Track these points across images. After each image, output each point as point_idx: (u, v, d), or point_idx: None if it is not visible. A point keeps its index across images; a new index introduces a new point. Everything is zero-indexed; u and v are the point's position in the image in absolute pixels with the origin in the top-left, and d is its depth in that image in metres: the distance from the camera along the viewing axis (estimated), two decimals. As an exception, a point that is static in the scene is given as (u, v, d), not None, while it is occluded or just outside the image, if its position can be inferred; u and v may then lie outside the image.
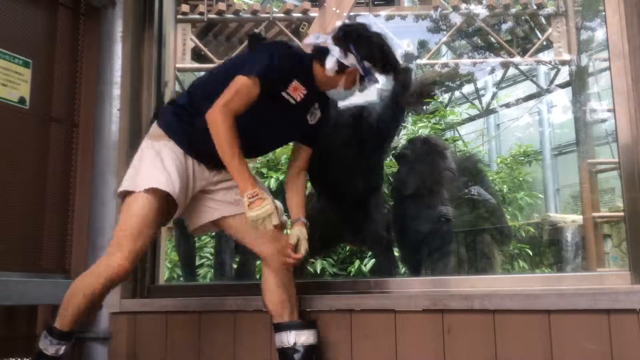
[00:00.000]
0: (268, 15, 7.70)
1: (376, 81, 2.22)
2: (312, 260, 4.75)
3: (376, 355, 2.18)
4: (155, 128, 2.21)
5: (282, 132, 2.29)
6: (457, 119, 8.15)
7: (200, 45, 7.27)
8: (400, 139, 6.67)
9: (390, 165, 5.32)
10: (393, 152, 5.78)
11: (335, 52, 2.12)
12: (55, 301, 2.59)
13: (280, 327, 2.18)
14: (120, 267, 2.03)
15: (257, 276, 4.46)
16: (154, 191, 2.06)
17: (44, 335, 2.13)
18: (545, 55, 8.55)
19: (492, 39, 8.68)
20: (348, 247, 4.80)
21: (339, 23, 7.38)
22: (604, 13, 2.18)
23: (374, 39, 2.18)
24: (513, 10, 8.06)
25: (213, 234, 4.48)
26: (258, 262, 4.59)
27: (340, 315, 2.26)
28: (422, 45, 9.99)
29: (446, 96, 10.73)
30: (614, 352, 1.83)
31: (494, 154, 10.50)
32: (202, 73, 8.18)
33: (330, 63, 2.12)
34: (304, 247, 2.17)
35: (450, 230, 3.54)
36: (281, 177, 4.88)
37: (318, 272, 4.85)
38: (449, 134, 7.87)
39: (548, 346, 1.92)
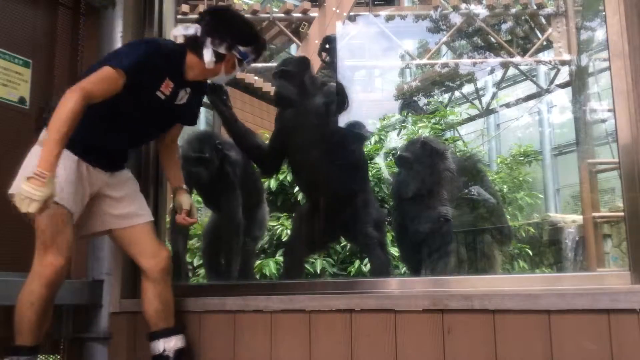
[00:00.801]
0: (268, 15, 7.70)
1: (254, 60, 2.35)
2: (312, 260, 4.76)
3: (376, 355, 2.18)
4: (43, 133, 2.16)
5: (161, 124, 2.43)
6: (457, 119, 8.15)
7: (200, 45, 7.25)
8: (400, 139, 6.69)
9: (390, 165, 5.33)
10: (393, 152, 5.79)
11: (209, 43, 2.20)
12: (55, 301, 2.60)
13: (152, 336, 2.34)
14: (52, 266, 2.09)
15: (257, 276, 4.47)
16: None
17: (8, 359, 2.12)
18: (545, 55, 8.56)
19: (492, 39, 8.69)
20: (348, 247, 4.80)
21: (339, 23, 7.43)
22: (604, 13, 2.18)
23: (239, 20, 2.32)
24: (513, 10, 8.07)
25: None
26: (258, 262, 4.60)
27: (340, 315, 2.26)
28: (422, 45, 10.01)
29: (446, 96, 10.74)
30: (614, 352, 1.83)
31: (494, 154, 10.50)
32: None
33: (208, 56, 2.21)
34: (196, 211, 2.51)
35: (450, 231, 3.53)
36: (281, 177, 4.88)
37: (318, 272, 4.84)
38: (449, 134, 7.87)
39: (548, 346, 1.92)
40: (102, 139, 2.26)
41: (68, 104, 1.98)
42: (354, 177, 3.21)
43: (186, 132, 3.34)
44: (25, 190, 1.88)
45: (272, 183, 4.94)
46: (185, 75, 2.29)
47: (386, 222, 4.31)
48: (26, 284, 2.12)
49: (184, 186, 2.55)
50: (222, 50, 2.22)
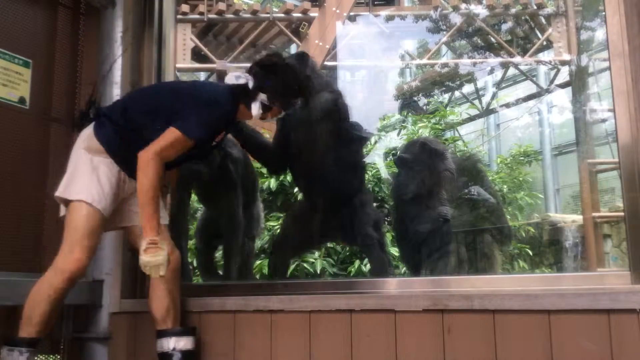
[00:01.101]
0: (268, 15, 7.70)
1: (297, 105, 2.56)
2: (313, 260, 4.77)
3: (376, 355, 2.18)
4: (93, 141, 2.28)
5: (195, 157, 2.56)
6: (457, 119, 8.15)
7: (200, 45, 7.27)
8: (400, 139, 6.69)
9: (390, 165, 5.34)
10: (393, 152, 5.80)
11: (259, 97, 2.32)
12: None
13: (162, 334, 2.33)
14: (79, 262, 2.17)
15: (257, 276, 4.47)
16: (87, 203, 2.20)
17: (7, 350, 2.15)
18: (545, 55, 8.55)
19: (492, 39, 8.68)
20: (348, 247, 4.81)
21: (339, 23, 7.43)
22: (604, 13, 2.18)
23: (290, 75, 2.42)
24: (513, 10, 8.06)
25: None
26: (258, 262, 4.60)
27: (340, 315, 2.26)
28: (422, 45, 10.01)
29: (446, 96, 10.75)
30: (614, 352, 1.83)
31: (494, 154, 10.50)
32: (202, 73, 8.23)
33: (255, 109, 2.33)
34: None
35: (450, 231, 3.54)
36: (281, 177, 4.88)
37: (318, 272, 4.85)
38: (449, 134, 7.87)
39: (548, 346, 1.92)
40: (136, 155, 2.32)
41: (150, 173, 2.15)
42: (353, 178, 3.20)
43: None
44: (149, 260, 2.13)
45: (272, 183, 4.94)
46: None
47: (385, 222, 4.31)
48: (46, 277, 2.17)
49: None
50: (267, 103, 2.34)
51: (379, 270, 3.13)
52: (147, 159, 2.16)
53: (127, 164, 2.28)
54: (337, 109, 3.07)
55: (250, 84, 2.31)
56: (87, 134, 2.31)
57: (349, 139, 3.13)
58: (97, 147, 2.27)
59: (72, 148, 2.34)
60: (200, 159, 2.72)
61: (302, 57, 3.16)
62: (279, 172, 3.39)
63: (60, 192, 2.25)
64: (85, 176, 2.23)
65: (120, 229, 2.52)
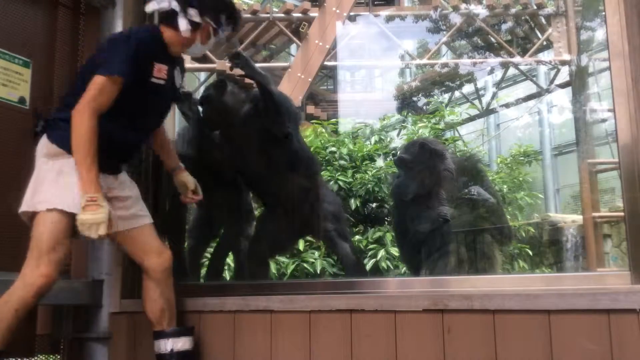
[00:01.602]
0: (268, 15, 7.70)
1: (232, 29, 2.41)
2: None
3: (376, 355, 2.18)
4: (49, 146, 2.19)
5: (163, 109, 2.48)
6: (457, 119, 8.14)
7: (200, 45, 7.25)
8: (400, 139, 6.69)
9: (390, 165, 5.33)
10: (393, 152, 5.80)
11: (183, 12, 2.25)
12: (55, 301, 2.60)
13: (159, 335, 2.32)
14: (47, 277, 2.08)
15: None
16: (59, 210, 2.11)
17: None
18: (545, 55, 8.56)
19: (492, 39, 8.69)
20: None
21: (339, 23, 7.43)
22: (604, 13, 2.18)
23: None
24: (513, 10, 8.07)
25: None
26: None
27: (340, 315, 2.26)
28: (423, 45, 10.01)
29: (446, 96, 10.74)
30: (614, 352, 1.83)
31: (494, 154, 10.50)
32: (202, 73, 8.22)
33: (183, 25, 2.26)
34: (199, 189, 2.60)
35: (450, 231, 3.54)
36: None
37: (318, 272, 4.84)
38: (449, 134, 7.87)
39: (548, 346, 1.92)
40: (108, 141, 2.23)
41: (83, 125, 2.06)
42: (300, 175, 3.23)
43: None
44: (87, 218, 2.03)
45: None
46: (169, 53, 2.33)
47: (385, 222, 4.32)
48: (14, 290, 2.09)
49: (182, 165, 2.60)
50: (196, 19, 2.28)
51: (344, 261, 3.16)
52: (77, 112, 2.08)
53: None
54: (259, 115, 3.11)
55: (174, 4, 2.26)
56: (43, 142, 2.22)
57: (279, 139, 3.14)
58: (55, 150, 2.18)
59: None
60: (166, 106, 2.51)
61: (220, 84, 3.24)
62: (226, 181, 3.42)
63: (25, 206, 2.16)
64: (51, 183, 2.14)
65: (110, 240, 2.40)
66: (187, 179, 2.58)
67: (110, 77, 2.13)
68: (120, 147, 2.34)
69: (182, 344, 2.30)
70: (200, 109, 3.27)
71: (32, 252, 2.11)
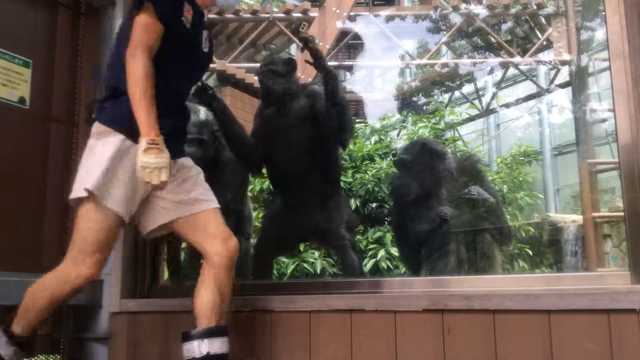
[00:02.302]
0: (268, 15, 7.70)
1: None
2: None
3: (376, 355, 2.18)
4: (97, 126, 2.06)
5: (188, 74, 2.28)
6: (457, 119, 8.15)
7: (200, 45, 7.25)
8: (400, 139, 6.69)
9: (390, 165, 5.33)
10: (393, 152, 5.79)
11: None
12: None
13: (191, 336, 2.01)
14: (91, 276, 2.01)
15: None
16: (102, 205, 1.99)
17: None
18: (545, 55, 8.56)
19: (492, 39, 8.69)
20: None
21: (339, 23, 7.43)
22: (604, 13, 2.18)
23: None
24: (513, 10, 8.07)
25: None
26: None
27: (340, 315, 2.26)
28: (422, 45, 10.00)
29: (446, 96, 10.75)
30: (614, 352, 1.83)
31: (494, 154, 10.51)
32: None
33: None
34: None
35: (450, 231, 3.54)
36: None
37: (318, 272, 4.85)
38: (449, 134, 7.87)
39: (548, 346, 1.92)
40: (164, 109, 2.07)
41: (136, 65, 1.94)
42: (328, 180, 3.25)
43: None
44: (151, 162, 1.87)
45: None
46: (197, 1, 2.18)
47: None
48: (55, 281, 2.00)
49: None
50: None
51: (349, 271, 3.18)
52: (129, 55, 1.95)
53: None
54: (314, 113, 3.09)
55: None
56: (93, 126, 2.08)
57: (326, 142, 3.14)
58: (102, 129, 2.03)
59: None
60: (197, 66, 2.32)
61: (290, 63, 3.19)
62: (253, 169, 3.37)
63: (74, 193, 2.01)
64: (100, 168, 1.96)
65: (164, 230, 2.18)
66: None
67: (148, 13, 1.98)
68: (163, 126, 2.16)
69: (219, 345, 1.98)
70: (263, 78, 3.16)
71: (75, 246, 2.00)
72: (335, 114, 2.98)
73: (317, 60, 2.89)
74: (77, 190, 2.00)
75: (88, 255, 1.98)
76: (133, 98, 1.93)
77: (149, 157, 1.88)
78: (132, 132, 1.96)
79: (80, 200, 2.01)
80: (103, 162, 1.98)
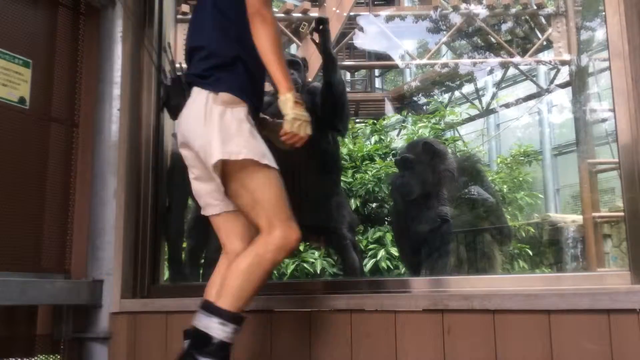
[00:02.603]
0: (268, 15, 7.69)
1: None
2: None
3: (376, 355, 2.18)
4: (223, 95, 1.94)
5: None
6: (457, 119, 8.15)
7: (200, 45, 7.25)
8: (400, 139, 6.69)
9: (390, 165, 5.33)
10: (393, 152, 5.80)
11: None
12: (55, 301, 2.60)
13: (209, 308, 1.90)
14: (298, 239, 1.94)
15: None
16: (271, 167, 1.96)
17: (204, 314, 1.88)
18: (545, 55, 8.56)
19: (492, 39, 8.69)
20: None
21: (338, 24, 7.42)
22: (604, 13, 2.18)
23: None
24: (513, 10, 8.07)
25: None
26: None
27: (340, 315, 2.26)
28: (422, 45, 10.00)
29: (446, 96, 10.76)
30: (614, 352, 1.83)
31: (494, 154, 10.51)
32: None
33: None
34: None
35: (450, 231, 3.54)
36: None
37: (318, 272, 4.85)
38: (449, 134, 7.87)
39: (548, 346, 1.92)
40: (260, 82, 2.07)
41: (271, 25, 1.93)
42: (330, 179, 3.25)
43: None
44: (303, 114, 1.92)
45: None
46: None
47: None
48: (270, 254, 1.89)
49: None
50: None
51: (350, 271, 3.18)
52: (257, 16, 1.92)
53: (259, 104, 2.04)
54: (314, 109, 3.08)
55: None
56: (206, 95, 1.94)
57: (326, 142, 3.14)
58: (231, 98, 1.94)
59: (197, 119, 1.94)
60: None
61: (297, 62, 3.18)
62: None
63: (219, 155, 1.87)
64: (238, 132, 1.91)
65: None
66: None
67: None
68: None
69: (231, 330, 1.87)
70: None
71: (276, 214, 1.92)
72: (332, 95, 2.96)
73: (325, 42, 2.91)
74: (232, 154, 1.89)
75: (290, 219, 1.94)
76: (271, 56, 1.92)
77: (301, 110, 1.92)
78: (251, 102, 1.99)
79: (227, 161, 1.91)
80: (250, 129, 1.95)
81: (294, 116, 1.91)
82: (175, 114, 2.08)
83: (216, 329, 1.85)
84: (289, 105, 1.92)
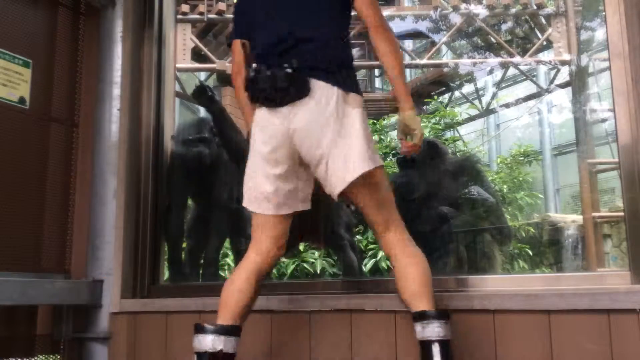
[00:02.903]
0: (268, 15, 7.68)
1: None
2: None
3: (376, 356, 2.18)
4: (353, 96, 1.93)
5: None
6: (457, 119, 8.15)
7: (200, 45, 7.27)
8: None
9: (390, 165, 5.33)
10: (394, 152, 5.80)
11: None
12: (55, 301, 2.60)
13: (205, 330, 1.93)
14: None
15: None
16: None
17: (444, 322, 1.85)
18: (545, 55, 8.55)
19: (492, 39, 8.68)
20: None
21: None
22: (604, 13, 2.18)
23: None
24: (513, 10, 8.07)
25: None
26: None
27: (340, 315, 2.26)
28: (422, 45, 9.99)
29: (446, 96, 10.75)
30: (614, 352, 1.83)
31: (494, 154, 10.51)
32: (202, 73, 8.21)
33: None
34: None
35: (450, 231, 3.54)
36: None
37: (318, 272, 4.85)
38: (449, 134, 7.87)
39: (548, 346, 1.92)
40: None
41: (393, 42, 1.97)
42: None
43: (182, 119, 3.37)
44: (421, 127, 1.99)
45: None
46: None
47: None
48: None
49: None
50: None
51: (349, 271, 3.18)
52: (383, 31, 1.96)
53: None
54: None
55: None
56: (336, 92, 1.90)
57: None
58: (360, 100, 1.95)
59: (326, 118, 1.88)
60: None
61: None
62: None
63: (372, 163, 1.89)
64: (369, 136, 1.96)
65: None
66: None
67: None
68: None
69: (232, 344, 1.93)
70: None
71: (391, 212, 2.14)
72: None
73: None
74: (377, 160, 1.95)
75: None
76: (398, 69, 1.96)
77: (420, 124, 2.00)
78: None
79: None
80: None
81: (422, 132, 2.00)
82: (257, 98, 1.97)
83: (447, 329, 1.84)
84: (417, 120, 1.98)
